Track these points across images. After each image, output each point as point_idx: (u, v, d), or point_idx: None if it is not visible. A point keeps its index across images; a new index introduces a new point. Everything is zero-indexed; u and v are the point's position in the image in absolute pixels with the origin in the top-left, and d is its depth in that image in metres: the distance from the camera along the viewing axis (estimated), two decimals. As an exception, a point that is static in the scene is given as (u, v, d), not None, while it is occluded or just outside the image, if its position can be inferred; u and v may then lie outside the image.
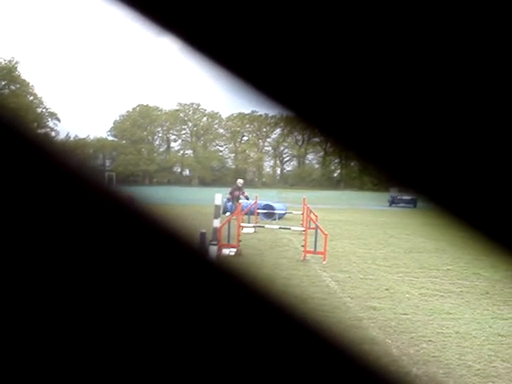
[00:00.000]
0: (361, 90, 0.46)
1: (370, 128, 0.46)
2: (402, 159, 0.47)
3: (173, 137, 75.46)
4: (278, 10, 0.45)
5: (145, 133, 72.68)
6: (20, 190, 0.45)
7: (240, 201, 17.21)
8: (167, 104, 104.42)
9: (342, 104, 0.46)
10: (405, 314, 6.59)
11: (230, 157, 75.16)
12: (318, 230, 11.28)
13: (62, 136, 66.40)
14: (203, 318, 0.46)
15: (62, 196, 0.46)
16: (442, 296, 7.74)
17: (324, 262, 10.31)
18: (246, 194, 19.96)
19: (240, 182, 20.25)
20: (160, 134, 75.21)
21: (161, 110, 74.44)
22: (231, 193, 19.58)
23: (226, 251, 10.81)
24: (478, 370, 4.79)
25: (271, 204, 20.49)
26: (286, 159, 73.93)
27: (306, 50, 0.45)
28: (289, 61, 0.46)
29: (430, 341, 5.55)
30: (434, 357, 5.07)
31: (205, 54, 0.46)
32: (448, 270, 9.85)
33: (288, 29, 0.45)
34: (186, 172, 74.80)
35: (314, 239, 11.12)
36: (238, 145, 73.80)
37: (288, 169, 74.50)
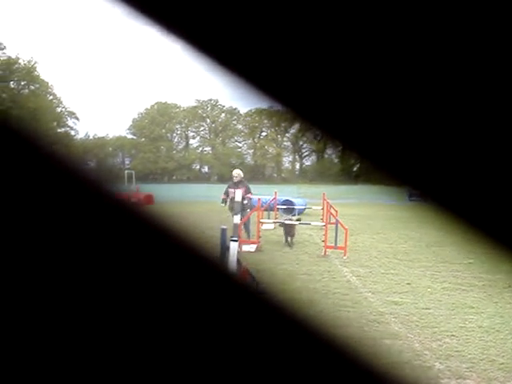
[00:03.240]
0: (358, 87, 0.45)
1: (370, 126, 0.46)
2: (404, 158, 0.46)
3: (191, 134, 75.81)
4: (280, 6, 0.45)
5: (163, 130, 73.05)
6: (31, 194, 0.45)
7: (245, 202, 11.94)
8: (185, 101, 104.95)
9: (339, 102, 0.46)
10: (427, 309, 6.56)
11: (248, 153, 75.28)
12: (338, 226, 11.25)
13: (81, 135, 67.13)
14: (217, 318, 0.46)
15: (70, 200, 0.46)
16: (464, 290, 7.68)
17: (344, 257, 10.28)
18: (250, 193, 12.75)
19: (237, 173, 12.77)
20: (178, 132, 75.58)
21: (179, 107, 74.78)
22: (225, 193, 12.70)
23: (246, 247, 10.84)
24: (502, 364, 4.75)
25: (291, 199, 20.46)
26: (305, 154, 73.85)
27: (308, 45, 0.45)
28: (291, 58, 0.45)
29: (453, 335, 5.52)
30: (456, 351, 5.04)
31: (208, 54, 0.46)
32: (470, 263, 9.77)
33: (291, 25, 0.45)
34: (205, 169, 75.07)
35: (334, 234, 11.10)
36: (256, 140, 73.86)
37: (307, 164, 74.42)
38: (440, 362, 4.74)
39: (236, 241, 6.08)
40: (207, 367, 0.45)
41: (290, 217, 12.85)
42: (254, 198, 13.08)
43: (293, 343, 0.46)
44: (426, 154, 0.46)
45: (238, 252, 5.95)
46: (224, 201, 12.77)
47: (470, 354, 4.99)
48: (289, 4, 0.45)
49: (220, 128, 74.95)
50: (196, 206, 22.19)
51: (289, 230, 11.89)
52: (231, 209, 11.85)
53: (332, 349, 0.46)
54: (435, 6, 0.43)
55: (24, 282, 0.44)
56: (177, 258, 0.46)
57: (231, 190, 12.07)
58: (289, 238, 11.88)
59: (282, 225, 12.13)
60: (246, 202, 12.03)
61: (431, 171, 0.46)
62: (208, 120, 75.17)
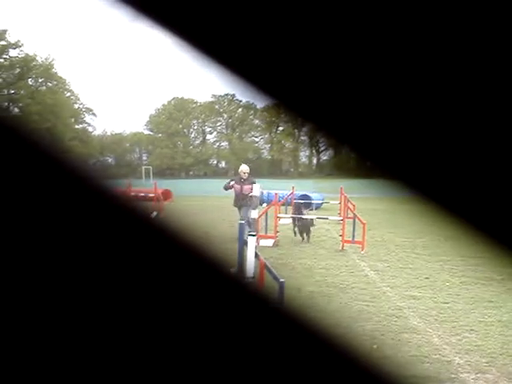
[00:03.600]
0: (354, 87, 0.46)
1: (364, 123, 0.46)
2: (398, 155, 0.46)
3: (208, 129, 75.77)
4: (287, 9, 0.45)
5: (180, 126, 73.06)
6: (34, 194, 0.46)
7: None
8: (202, 96, 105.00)
9: (332, 99, 0.46)
10: (446, 303, 6.52)
11: (265, 147, 75.08)
12: (356, 220, 11.20)
13: (98, 131, 67.51)
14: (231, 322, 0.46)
15: (72, 199, 0.46)
16: (483, 284, 7.62)
17: (362, 252, 10.25)
18: (257, 189, 11.72)
19: (244, 169, 11.80)
20: (195, 127, 75.55)
21: (196, 103, 74.73)
22: (229, 184, 11.94)
23: (263, 242, 10.83)
24: (522, 358, 4.72)
25: (308, 194, 20.39)
26: (322, 149, 73.41)
27: (307, 43, 0.45)
28: (296, 61, 0.46)
29: (472, 330, 5.48)
30: (476, 346, 5.01)
31: (213, 56, 0.46)
32: (489, 257, 9.66)
33: (293, 26, 0.45)
34: (222, 164, 75.04)
35: (351, 229, 11.05)
36: (273, 135, 73.58)
37: (324, 158, 73.94)
38: (459, 357, 4.71)
39: (254, 235, 6.09)
40: (214, 362, 0.45)
41: (302, 210, 12.58)
42: (271, 192, 12.90)
43: (309, 338, 0.46)
44: (436, 154, 0.46)
45: (256, 246, 5.95)
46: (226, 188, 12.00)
47: (489, 348, 4.96)
48: (296, 7, 0.45)
49: (237, 123, 74.80)
50: (214, 200, 22.17)
51: (303, 225, 11.78)
52: (236, 205, 11.72)
53: (349, 343, 0.46)
54: (434, 6, 0.43)
55: (35, 277, 0.45)
56: (190, 256, 0.47)
57: (237, 186, 11.58)
58: (297, 234, 11.77)
59: (297, 221, 11.98)
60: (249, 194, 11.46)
61: (439, 171, 0.46)
62: (225, 115, 75.07)
